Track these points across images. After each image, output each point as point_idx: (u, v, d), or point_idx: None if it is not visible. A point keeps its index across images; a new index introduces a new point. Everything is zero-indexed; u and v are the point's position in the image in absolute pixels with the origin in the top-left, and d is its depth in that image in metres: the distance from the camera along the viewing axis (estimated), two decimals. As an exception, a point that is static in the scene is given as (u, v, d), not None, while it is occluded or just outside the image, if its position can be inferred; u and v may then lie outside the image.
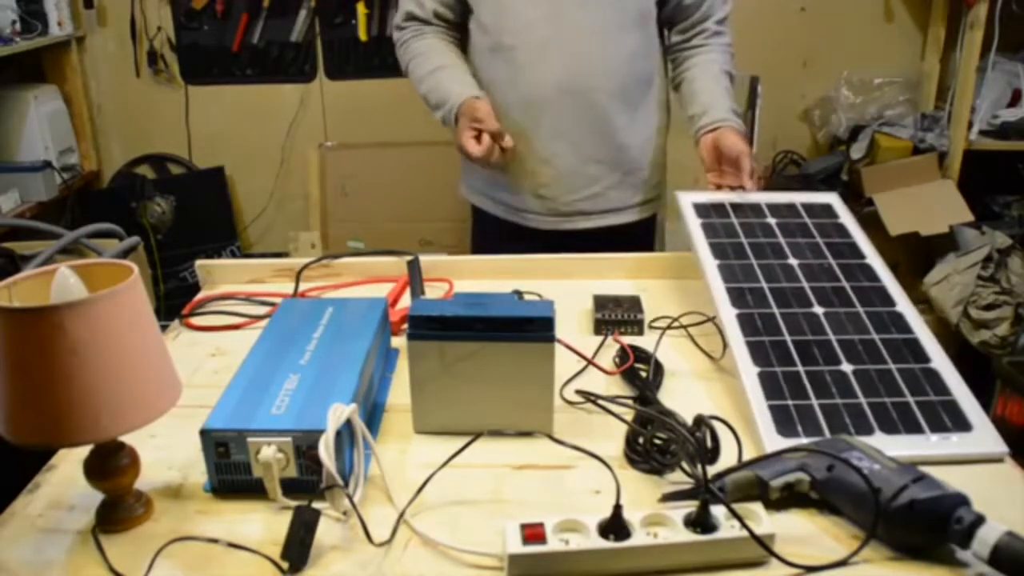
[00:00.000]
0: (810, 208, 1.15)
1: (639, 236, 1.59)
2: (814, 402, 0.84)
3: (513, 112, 1.45)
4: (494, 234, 1.60)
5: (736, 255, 1.05)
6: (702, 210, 1.14)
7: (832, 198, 1.17)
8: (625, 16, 1.41)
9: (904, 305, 0.97)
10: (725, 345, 0.94)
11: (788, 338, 0.92)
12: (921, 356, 0.90)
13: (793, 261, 1.05)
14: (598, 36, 1.39)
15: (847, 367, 0.88)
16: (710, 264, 1.04)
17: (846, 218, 1.13)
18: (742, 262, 1.04)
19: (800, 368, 0.88)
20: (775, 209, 1.15)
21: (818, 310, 0.96)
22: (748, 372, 0.87)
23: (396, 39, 1.55)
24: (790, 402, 0.84)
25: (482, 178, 1.57)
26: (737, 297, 0.98)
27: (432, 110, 1.47)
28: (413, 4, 1.49)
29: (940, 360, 0.89)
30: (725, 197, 1.18)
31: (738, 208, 1.15)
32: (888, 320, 0.95)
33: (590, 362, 0.94)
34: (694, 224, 1.11)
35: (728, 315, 0.95)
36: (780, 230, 1.10)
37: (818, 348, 0.90)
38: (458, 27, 1.52)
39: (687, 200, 1.16)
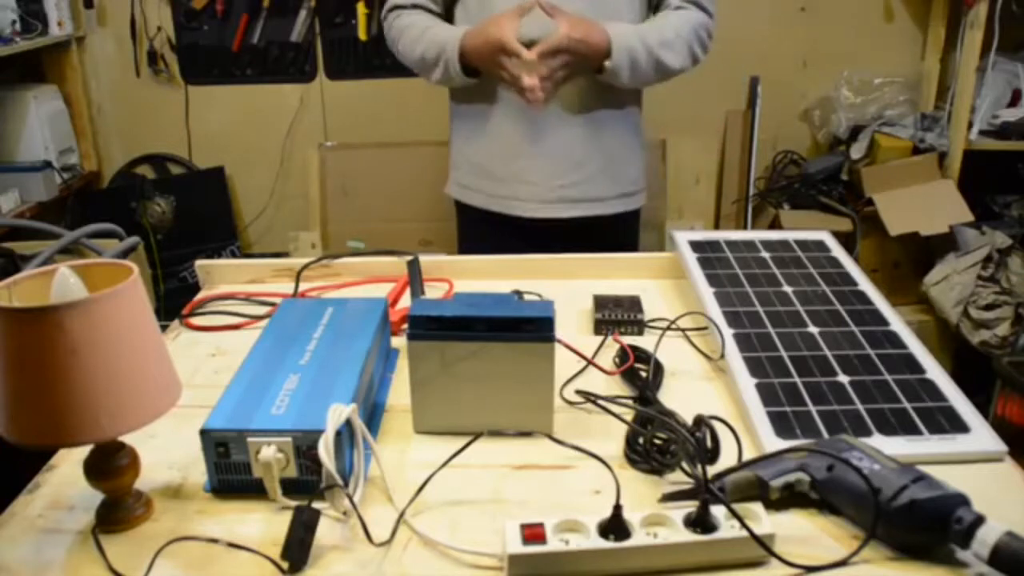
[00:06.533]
0: (803, 243, 1.18)
1: (621, 230, 1.60)
2: (812, 408, 0.84)
3: (501, 96, 1.47)
4: (479, 227, 1.62)
5: (731, 284, 1.08)
6: (698, 246, 1.18)
7: (824, 235, 1.21)
8: (604, 7, 1.43)
9: (898, 325, 0.98)
10: (724, 345, 0.94)
11: (784, 354, 0.93)
12: (916, 368, 0.90)
13: (787, 288, 1.07)
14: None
15: (844, 378, 0.88)
16: (707, 292, 1.06)
17: (838, 252, 1.16)
18: (737, 290, 1.06)
19: (797, 379, 0.88)
20: (768, 244, 1.18)
21: (813, 330, 0.97)
22: (746, 385, 0.88)
23: (385, 33, 1.58)
24: (788, 409, 0.84)
25: (468, 171, 1.59)
26: (733, 319, 1.00)
27: (432, 70, 1.47)
28: None
29: (936, 371, 0.90)
30: (720, 235, 1.22)
31: (733, 244, 1.18)
32: (882, 337, 0.96)
33: (590, 362, 0.94)
34: (690, 258, 1.14)
35: (725, 334, 0.97)
36: (774, 262, 1.13)
37: (814, 362, 0.91)
38: (442, 17, 1.56)
39: (683, 238, 1.19)
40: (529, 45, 1.34)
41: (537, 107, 1.38)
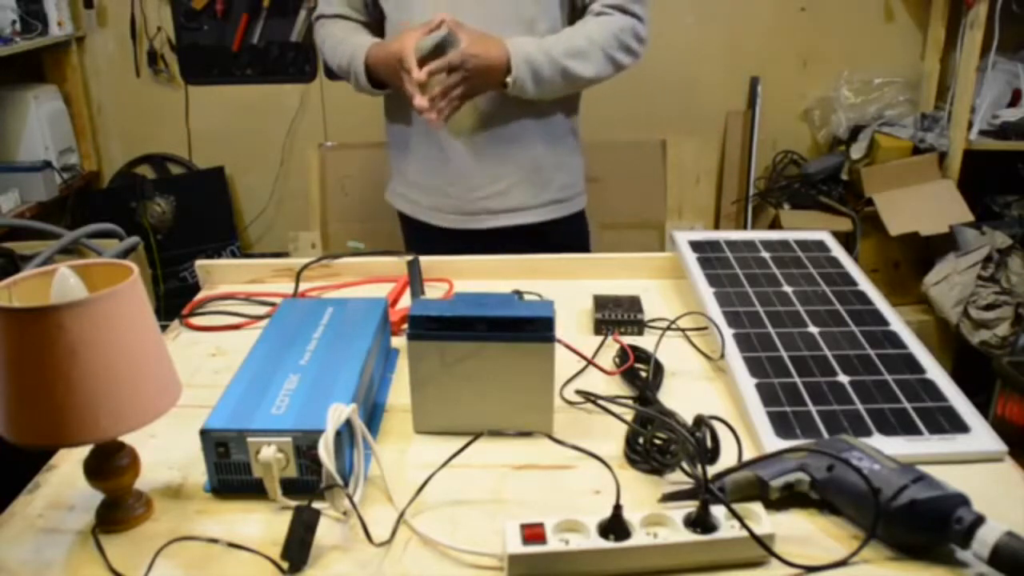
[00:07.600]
0: (803, 244, 1.19)
1: (559, 234, 1.57)
2: (812, 408, 0.84)
3: (415, 113, 1.46)
4: (418, 234, 1.63)
5: (731, 284, 1.08)
6: (698, 246, 1.18)
7: (824, 235, 1.21)
8: (521, 12, 1.41)
9: (898, 325, 0.99)
10: (724, 345, 0.94)
11: (784, 354, 0.93)
12: (916, 368, 0.90)
13: (787, 288, 1.07)
14: (492, 33, 1.38)
15: (844, 378, 0.89)
16: (707, 292, 1.06)
17: (838, 252, 1.16)
18: (737, 290, 1.06)
19: (797, 379, 0.88)
20: (769, 244, 1.18)
21: (813, 330, 0.98)
22: (746, 384, 0.88)
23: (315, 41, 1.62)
24: (788, 409, 0.84)
25: (400, 180, 1.62)
26: (733, 319, 1.00)
27: (348, 78, 1.50)
28: (323, 4, 1.56)
29: (935, 371, 0.90)
30: (720, 235, 1.22)
31: (733, 244, 1.19)
32: (882, 337, 0.96)
33: (590, 362, 0.94)
34: (690, 258, 1.14)
35: (725, 334, 0.97)
36: (774, 262, 1.14)
37: (814, 362, 0.91)
38: (368, 27, 1.57)
39: (683, 238, 1.19)
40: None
41: (435, 125, 1.37)
